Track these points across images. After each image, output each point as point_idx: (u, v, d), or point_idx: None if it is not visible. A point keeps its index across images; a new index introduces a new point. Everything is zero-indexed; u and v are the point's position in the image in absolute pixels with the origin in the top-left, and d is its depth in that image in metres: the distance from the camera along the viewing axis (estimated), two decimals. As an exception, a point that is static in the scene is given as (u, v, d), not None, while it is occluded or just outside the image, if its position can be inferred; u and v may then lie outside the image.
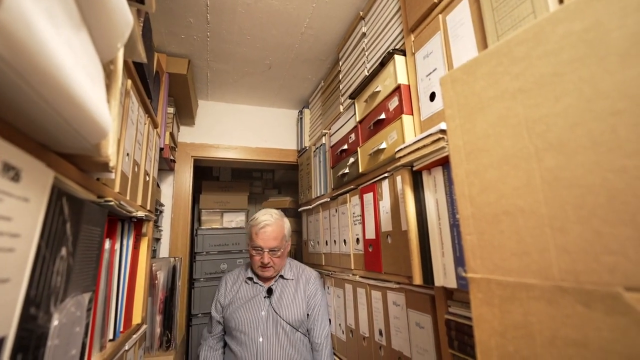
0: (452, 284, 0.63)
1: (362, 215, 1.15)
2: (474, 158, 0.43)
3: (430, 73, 0.82)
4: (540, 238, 0.35)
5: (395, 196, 0.95)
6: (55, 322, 0.45)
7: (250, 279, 1.36)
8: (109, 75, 0.50)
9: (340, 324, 1.32)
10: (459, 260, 0.62)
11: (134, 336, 0.96)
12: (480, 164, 0.43)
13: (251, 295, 1.32)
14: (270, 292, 1.31)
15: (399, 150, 0.75)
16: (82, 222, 0.53)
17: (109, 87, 0.50)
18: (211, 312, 1.37)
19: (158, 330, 1.23)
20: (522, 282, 0.36)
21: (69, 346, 0.51)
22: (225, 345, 1.34)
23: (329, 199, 1.50)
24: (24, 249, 0.35)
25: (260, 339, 1.23)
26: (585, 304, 0.31)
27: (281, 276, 1.36)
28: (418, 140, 0.68)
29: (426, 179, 0.72)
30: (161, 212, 1.74)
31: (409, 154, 0.72)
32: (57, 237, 0.44)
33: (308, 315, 1.31)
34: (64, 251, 0.47)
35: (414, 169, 0.73)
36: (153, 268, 1.25)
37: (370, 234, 1.09)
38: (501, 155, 0.40)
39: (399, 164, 0.77)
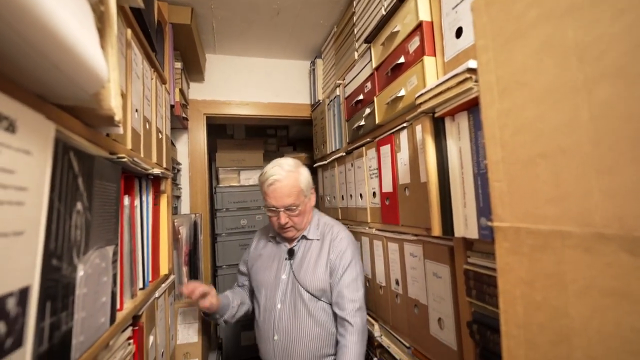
0: (473, 234, 0.61)
1: (379, 168, 1.12)
2: (509, 95, 0.38)
3: (458, 4, 0.72)
4: (582, 182, 0.31)
5: (414, 147, 0.90)
6: (80, 273, 0.47)
7: (274, 237, 1.22)
8: (100, 17, 0.46)
9: (357, 274, 1.35)
10: (482, 211, 0.59)
11: (163, 285, 1.02)
12: (515, 102, 0.37)
13: (274, 255, 1.19)
14: (291, 253, 1.15)
15: (419, 96, 0.69)
16: (95, 177, 0.52)
17: (102, 31, 0.46)
18: (239, 266, 1.34)
19: (185, 280, 1.31)
20: (558, 229, 0.33)
21: (98, 294, 0.54)
22: (251, 295, 1.29)
23: (344, 154, 1.46)
24: (34, 203, 0.35)
25: (279, 305, 1.10)
26: (630, 251, 0.27)
27: (304, 236, 1.17)
28: (441, 83, 0.62)
29: (449, 125, 0.67)
30: (179, 170, 1.76)
31: (430, 99, 0.66)
32: (70, 192, 0.44)
33: (332, 283, 1.09)
34: (79, 206, 0.47)
35: (436, 115, 0.68)
36: (175, 223, 1.30)
37: (387, 187, 1.06)
38: (542, 90, 0.35)
39: (419, 111, 0.71)
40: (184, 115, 1.67)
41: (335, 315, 1.08)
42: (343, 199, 1.50)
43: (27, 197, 0.34)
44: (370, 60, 1.15)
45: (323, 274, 1.09)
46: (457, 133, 0.65)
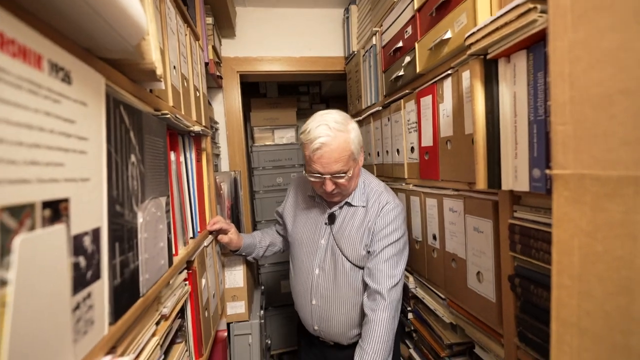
0: (522, 187, 0.58)
1: (418, 121, 1.06)
2: (586, 22, 0.33)
3: None
4: (671, 119, 0.27)
5: (459, 96, 0.83)
6: (140, 220, 0.51)
7: (313, 197, 1.10)
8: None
9: (392, 230, 1.36)
10: (535, 161, 0.55)
11: (210, 236, 1.10)
12: (593, 30, 0.32)
13: (313, 216, 1.09)
14: (332, 219, 1.04)
15: (470, 36, 0.62)
16: (144, 132, 0.55)
17: (137, -21, 0.45)
18: (275, 216, 1.32)
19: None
20: (632, 175, 0.29)
21: (157, 240, 0.59)
22: (285, 241, 1.28)
23: (380, 108, 1.40)
24: (95, 152, 0.37)
25: (317, 271, 1.04)
26: None
27: (347, 203, 1.04)
28: (498, 18, 0.55)
29: (503, 68, 0.60)
30: (216, 129, 1.81)
31: (483, 37, 0.59)
32: (124, 145, 0.46)
33: (369, 252, 0.99)
34: (133, 158, 0.50)
35: (488, 57, 0.61)
36: (217, 180, 1.36)
37: (427, 141, 1.01)
38: (629, 12, 0.29)
39: (468, 53, 0.64)
40: (218, 73, 1.67)
41: (366, 285, 0.99)
42: (379, 155, 1.47)
43: (88, 146, 0.36)
44: (412, 0, 1.04)
45: (363, 241, 0.99)
46: (512, 76, 0.59)
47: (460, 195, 0.87)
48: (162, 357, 0.62)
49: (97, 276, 0.38)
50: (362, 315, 0.99)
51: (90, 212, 0.36)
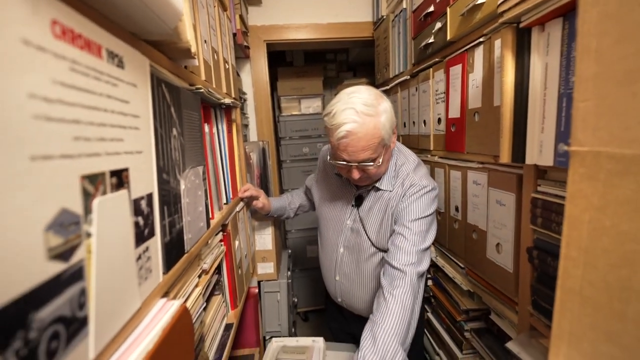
0: (547, 161, 0.57)
1: (447, 92, 1.04)
2: (618, -6, 0.32)
3: None
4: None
5: (490, 66, 0.80)
6: (183, 187, 0.58)
7: (340, 175, 1.04)
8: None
9: (416, 201, 1.38)
10: (562, 136, 0.54)
11: (241, 202, 1.19)
12: (624, 1, 0.31)
13: (340, 196, 1.06)
14: (359, 201, 1.01)
15: (503, 2, 0.60)
16: (183, 107, 0.60)
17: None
18: (306, 183, 1.31)
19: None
20: (646, 153, 0.30)
21: (197, 204, 0.66)
22: (313, 205, 1.28)
23: (408, 77, 1.36)
24: (145, 128, 0.43)
25: (341, 249, 1.04)
26: None
27: (375, 187, 0.97)
28: (533, -17, 0.52)
29: (536, 37, 0.58)
30: (245, 100, 1.85)
31: (517, 4, 0.56)
32: (167, 119, 0.52)
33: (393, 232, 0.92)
34: (174, 131, 0.55)
35: (521, 25, 0.59)
36: (246, 149, 1.43)
37: (455, 113, 1.00)
38: (665, -17, 0.28)
39: (501, 21, 0.62)
40: (245, 43, 1.68)
41: (382, 264, 0.91)
42: (405, 126, 1.46)
43: (140, 123, 0.41)
44: (446, -41, 0.98)
45: (387, 225, 0.95)
46: (546, 46, 0.56)
47: (484, 168, 0.87)
48: (204, 304, 0.71)
49: (152, 234, 0.45)
50: None
51: (144, 180, 0.42)
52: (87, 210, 0.30)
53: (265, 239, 1.43)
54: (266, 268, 1.47)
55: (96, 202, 0.31)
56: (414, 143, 1.36)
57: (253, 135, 1.97)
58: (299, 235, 2.47)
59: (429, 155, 1.23)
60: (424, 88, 1.22)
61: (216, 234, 0.86)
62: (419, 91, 1.27)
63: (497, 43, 0.76)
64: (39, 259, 0.24)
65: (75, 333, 0.28)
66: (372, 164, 0.85)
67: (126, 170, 0.37)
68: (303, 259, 2.48)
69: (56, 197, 0.26)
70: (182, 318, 0.46)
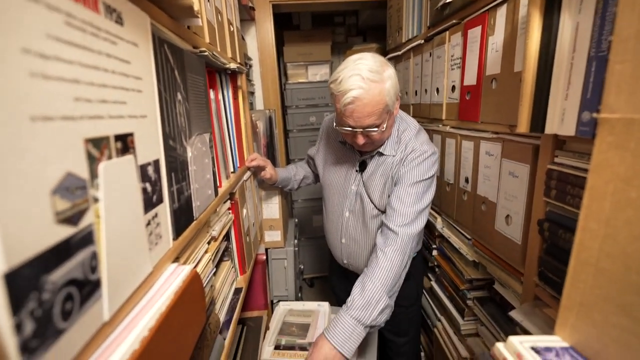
0: (568, 131, 0.55)
1: (463, 57, 0.98)
2: None
3: None
4: None
5: (513, 27, 0.75)
6: (189, 154, 0.57)
7: (344, 142, 1.07)
8: None
9: (424, 172, 1.36)
10: (587, 103, 0.51)
11: (248, 171, 1.18)
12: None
13: (344, 162, 1.09)
14: (362, 166, 1.04)
15: (534, -48, 0.54)
16: (187, 70, 0.58)
17: None
18: (308, 153, 1.34)
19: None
20: (687, 120, 0.27)
21: (204, 172, 0.66)
22: (315, 176, 1.34)
23: (422, 41, 1.29)
24: (148, 91, 0.41)
25: (346, 214, 1.09)
26: None
27: (379, 152, 1.00)
28: None
29: (569, -7, 0.53)
30: (250, 66, 1.79)
31: (550, -45, 0.51)
32: (171, 83, 0.50)
33: (389, 195, 0.98)
34: (179, 96, 0.53)
35: (553, -21, 0.53)
36: (253, 118, 1.40)
37: (470, 80, 0.95)
38: None
39: (529, -25, 0.56)
40: (250, 4, 1.60)
41: (380, 224, 0.98)
42: (416, 94, 1.40)
43: (143, 85, 0.40)
44: None
45: (388, 189, 1.00)
46: (578, 3, 0.51)
47: (499, 138, 0.84)
48: (214, 270, 0.73)
49: (160, 200, 0.44)
50: None
51: (151, 146, 0.41)
52: (93, 174, 0.29)
53: (272, 207, 1.45)
54: (273, 236, 1.50)
55: (102, 167, 0.30)
56: (425, 112, 1.31)
57: (259, 104, 1.93)
58: (305, 205, 2.50)
59: (440, 125, 1.20)
60: (438, 53, 1.15)
61: (224, 202, 0.86)
62: (433, 57, 1.20)
63: (524, 1, 0.70)
64: (47, 222, 0.24)
65: (88, 295, 0.28)
66: (376, 129, 0.88)
67: (131, 135, 0.36)
68: (309, 228, 2.52)
69: (61, 161, 0.25)
70: (193, 282, 0.47)
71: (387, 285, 0.86)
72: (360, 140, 0.91)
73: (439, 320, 1.23)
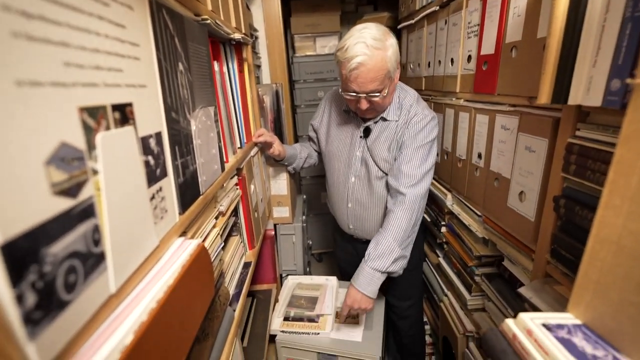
0: (594, 101, 0.51)
1: (481, 24, 0.92)
2: None
3: None
4: None
5: (539, -12, 0.69)
6: (194, 127, 0.56)
7: (347, 112, 1.13)
8: None
9: (435, 148, 1.33)
10: (618, 70, 0.47)
11: (256, 147, 1.17)
12: None
13: (347, 130, 1.14)
14: (367, 132, 1.09)
15: None
16: (188, 39, 0.55)
17: None
18: (309, 132, 1.36)
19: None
20: None
21: (210, 146, 0.64)
22: (318, 156, 1.36)
23: (437, 8, 1.21)
24: (147, 59, 0.39)
25: (352, 179, 1.13)
26: None
27: (382, 118, 1.06)
28: None
29: (606, -56, 0.47)
30: (256, 37, 1.73)
31: None
32: (171, 52, 0.47)
33: (395, 158, 1.05)
34: (181, 66, 0.51)
35: None
36: (259, 92, 1.37)
37: (488, 49, 0.89)
38: None
39: None
40: (254, -31, 1.51)
41: (385, 186, 1.08)
42: (429, 66, 1.34)
43: (140, 53, 0.38)
44: None
45: (392, 153, 1.06)
46: (616, -44, 0.46)
47: (516, 111, 0.80)
48: (223, 244, 0.74)
49: (164, 174, 0.44)
50: None
51: (151, 117, 0.40)
52: (91, 145, 0.28)
53: (280, 184, 1.44)
54: (281, 212, 1.51)
55: (99, 137, 0.29)
56: (438, 85, 1.26)
57: (266, 78, 1.88)
58: (313, 182, 2.49)
59: (454, 99, 1.15)
60: (454, 20, 1.08)
61: (231, 178, 0.86)
62: (448, 24, 1.13)
63: (552, -43, 0.63)
64: (43, 194, 0.23)
65: (93, 268, 0.28)
66: (378, 94, 0.94)
67: (130, 105, 0.35)
68: (317, 204, 2.53)
69: (53, 130, 0.24)
70: (200, 255, 0.47)
71: (398, 239, 0.98)
72: (364, 105, 0.96)
73: (446, 295, 1.25)
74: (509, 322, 0.41)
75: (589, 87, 0.51)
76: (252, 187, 1.05)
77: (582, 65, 0.52)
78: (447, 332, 1.19)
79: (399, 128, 1.04)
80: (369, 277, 0.97)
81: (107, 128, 0.31)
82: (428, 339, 1.49)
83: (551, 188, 0.68)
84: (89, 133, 0.28)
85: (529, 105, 0.75)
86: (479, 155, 0.98)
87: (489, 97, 0.91)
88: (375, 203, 1.13)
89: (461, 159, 1.10)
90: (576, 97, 0.54)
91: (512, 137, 0.81)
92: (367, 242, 1.15)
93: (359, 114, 1.05)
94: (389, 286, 1.27)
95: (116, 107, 0.32)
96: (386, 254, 0.97)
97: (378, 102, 0.96)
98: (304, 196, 1.97)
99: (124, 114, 0.34)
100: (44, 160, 0.23)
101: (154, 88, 0.41)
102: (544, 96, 0.58)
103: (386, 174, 1.08)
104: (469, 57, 1.01)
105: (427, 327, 1.47)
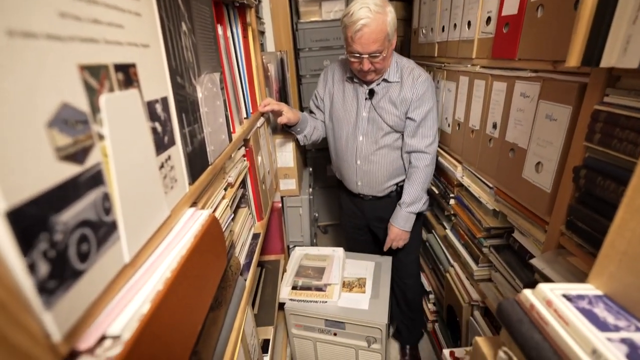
0: (631, 62, 0.47)
1: (504, -20, 0.85)
2: None
3: None
4: None
5: (574, -64, 0.62)
6: (200, 94, 0.53)
7: (351, 78, 1.23)
8: None
9: (446, 118, 1.28)
10: (662, 27, 0.43)
11: (262, 117, 1.14)
12: None
13: (352, 94, 1.24)
14: (372, 94, 1.20)
15: None
16: (190, -4, 0.51)
17: None
18: (310, 105, 1.41)
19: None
20: None
21: (216, 115, 0.62)
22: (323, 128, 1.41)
23: (455, -36, 1.12)
24: (148, 15, 0.36)
25: (360, 138, 1.23)
26: None
27: (384, 79, 1.17)
28: None
29: None
30: (260, 1, 1.64)
31: None
32: (173, 10, 0.44)
33: (409, 118, 1.18)
34: (184, 27, 0.48)
35: None
36: (264, 60, 1.31)
37: (511, 8, 0.83)
38: None
39: None
40: None
41: (404, 145, 1.23)
42: (443, 30, 1.26)
43: (141, 8, 0.34)
44: None
45: (401, 110, 1.17)
46: None
47: (538, 77, 0.75)
48: (232, 215, 0.73)
49: (172, 142, 0.42)
50: (397, 169, 1.28)
51: (156, 80, 0.38)
52: (95, 108, 0.26)
53: (287, 156, 1.42)
54: (288, 184, 1.50)
55: (103, 99, 0.27)
56: (453, 51, 1.19)
57: (270, 45, 1.80)
58: (319, 154, 2.46)
59: (469, 65, 1.09)
60: (473, -22, 1.00)
61: (238, 149, 0.84)
62: (466, -17, 1.05)
63: None
64: (47, 159, 0.21)
65: (105, 237, 0.27)
66: (379, 55, 1.06)
67: (133, 66, 0.32)
68: (323, 177, 2.52)
69: (53, 89, 0.22)
70: (213, 225, 0.46)
71: (425, 188, 1.25)
72: (366, 65, 1.07)
73: (452, 266, 1.26)
74: (527, 292, 0.41)
75: (626, 47, 0.47)
76: (259, 158, 1.04)
77: (619, 23, 0.48)
78: (452, 301, 1.22)
79: (404, 87, 1.16)
80: (405, 217, 1.24)
81: (111, 90, 0.29)
82: (432, 307, 1.52)
83: (571, 158, 0.65)
84: (92, 94, 0.26)
85: (552, 70, 0.71)
86: (494, 126, 0.94)
87: (509, 62, 0.86)
88: (382, 157, 1.25)
89: (474, 129, 1.06)
90: (610, 58, 0.50)
91: (531, 106, 0.77)
92: (373, 199, 1.34)
93: (362, 77, 1.16)
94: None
95: (119, 68, 0.30)
96: (417, 199, 1.23)
97: (378, 63, 1.08)
98: (310, 169, 1.96)
99: (127, 76, 0.31)
100: (46, 122, 0.21)
101: (157, 48, 0.38)
102: (574, 59, 0.54)
103: (393, 129, 1.21)
104: (488, 19, 0.94)
105: (431, 296, 1.51)
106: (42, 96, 0.21)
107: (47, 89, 0.21)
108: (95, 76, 0.26)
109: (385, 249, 1.32)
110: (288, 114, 1.21)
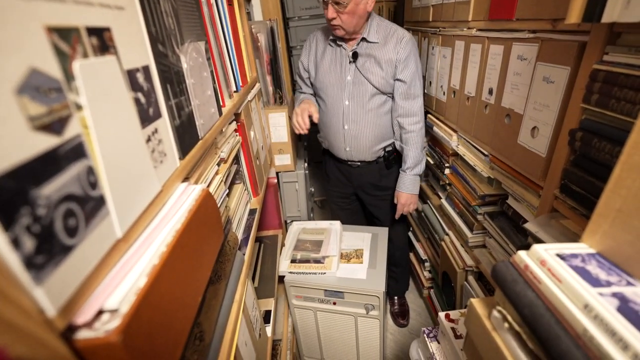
0: (635, 16, 0.45)
1: None
2: None
3: None
4: None
5: None
6: (184, 64, 0.50)
7: (334, 40, 1.23)
8: None
9: (441, 86, 1.26)
10: (668, -24, 0.41)
11: (252, 90, 1.10)
12: None
13: (336, 58, 1.24)
14: (355, 56, 1.19)
15: None
16: (166, -45, 0.47)
17: None
18: (296, 79, 1.41)
19: (270, 88, 1.39)
20: None
21: (204, 87, 0.59)
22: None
23: None
24: (121, -27, 0.33)
25: (346, 102, 1.23)
26: None
27: (364, 39, 1.18)
28: None
29: None
30: (243, -34, 1.54)
31: None
32: (148, -31, 0.41)
33: (397, 80, 1.18)
34: (162, -11, 0.44)
35: None
36: (253, 30, 1.25)
37: (509, -36, 0.78)
38: None
39: None
40: None
41: (396, 108, 1.24)
42: (438, -8, 1.20)
43: (112, -35, 0.32)
44: None
45: (387, 71, 1.17)
46: None
47: (536, 38, 0.73)
48: (227, 191, 0.73)
49: (158, 114, 0.40)
50: (385, 132, 1.29)
51: (135, 47, 0.35)
52: (69, 75, 0.25)
53: (280, 131, 1.40)
54: (283, 160, 1.48)
55: (77, 66, 0.25)
56: (448, 14, 1.14)
57: (258, 14, 1.71)
58: (313, 129, 2.43)
59: (465, 29, 1.05)
60: None
61: (230, 123, 0.82)
62: (462, -62, 0.99)
63: None
64: (19, 128, 0.20)
65: (93, 212, 0.26)
66: (342, 3, 1.04)
67: (108, 30, 0.30)
68: (318, 152, 2.50)
69: (18, 52, 0.20)
70: (206, 200, 0.45)
71: (423, 147, 1.27)
72: (330, 12, 1.07)
73: (447, 234, 1.28)
74: (521, 253, 0.41)
75: (628, 0, 0.45)
76: (252, 133, 1.01)
77: (624, -27, 0.45)
78: (447, 267, 1.25)
79: (387, 47, 1.16)
80: (412, 181, 1.27)
81: (85, 56, 0.27)
82: (427, 274, 1.57)
83: (567, 121, 0.64)
84: (64, 60, 0.24)
85: (551, 30, 0.68)
86: (490, 91, 0.93)
87: (506, 23, 0.83)
88: (369, 119, 1.25)
89: (470, 96, 1.04)
90: (612, 13, 0.48)
91: (529, 68, 0.75)
92: (360, 164, 1.35)
93: (332, 30, 1.16)
94: (382, 209, 1.47)
95: (92, 32, 0.28)
96: (418, 161, 1.26)
97: (344, 15, 1.08)
98: (305, 143, 1.94)
99: (102, 41, 0.29)
100: (14, 88, 0.19)
101: (133, 12, 0.35)
102: (575, 14, 0.52)
103: (380, 91, 1.21)
104: (485, -23, 0.90)
105: (427, 264, 1.55)
106: (6, 59, 0.19)
107: (11, 51, 0.20)
108: (65, 39, 0.24)
109: (397, 216, 1.36)
110: (316, 112, 1.24)
